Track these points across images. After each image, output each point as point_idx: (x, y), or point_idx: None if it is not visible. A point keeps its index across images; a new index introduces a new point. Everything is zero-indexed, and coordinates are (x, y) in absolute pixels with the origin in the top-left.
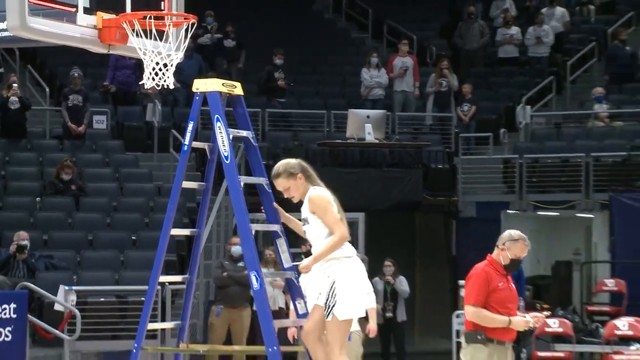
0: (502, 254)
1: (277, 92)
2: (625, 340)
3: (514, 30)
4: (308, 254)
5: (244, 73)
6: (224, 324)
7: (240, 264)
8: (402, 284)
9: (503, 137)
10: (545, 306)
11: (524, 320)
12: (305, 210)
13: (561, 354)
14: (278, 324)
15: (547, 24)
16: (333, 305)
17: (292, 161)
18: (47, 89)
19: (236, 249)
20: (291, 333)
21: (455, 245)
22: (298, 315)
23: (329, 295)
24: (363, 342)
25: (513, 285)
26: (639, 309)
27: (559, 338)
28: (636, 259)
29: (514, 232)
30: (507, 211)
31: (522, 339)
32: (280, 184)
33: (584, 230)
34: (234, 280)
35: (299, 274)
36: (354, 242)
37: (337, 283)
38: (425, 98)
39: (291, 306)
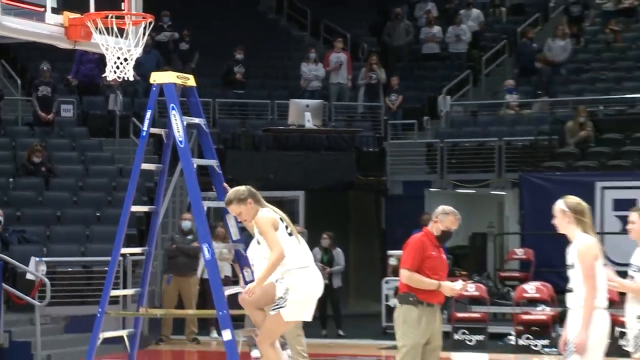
0: (435, 226)
1: (236, 84)
2: (533, 302)
3: (436, 29)
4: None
5: (197, 68)
6: (174, 290)
7: (189, 237)
8: (339, 257)
9: (426, 123)
10: (463, 273)
11: (451, 286)
12: (256, 233)
13: (477, 315)
14: (228, 290)
15: (465, 24)
16: (282, 306)
17: (242, 188)
18: (19, 81)
19: (186, 224)
20: (241, 298)
21: (384, 220)
22: (245, 282)
23: (281, 297)
24: None
25: (444, 256)
26: (544, 275)
27: (475, 300)
28: (542, 230)
29: (447, 207)
30: (430, 189)
31: (445, 303)
32: (233, 209)
33: (497, 205)
34: (182, 252)
35: (246, 246)
36: (295, 218)
37: (290, 291)
38: (358, 89)
39: (240, 274)
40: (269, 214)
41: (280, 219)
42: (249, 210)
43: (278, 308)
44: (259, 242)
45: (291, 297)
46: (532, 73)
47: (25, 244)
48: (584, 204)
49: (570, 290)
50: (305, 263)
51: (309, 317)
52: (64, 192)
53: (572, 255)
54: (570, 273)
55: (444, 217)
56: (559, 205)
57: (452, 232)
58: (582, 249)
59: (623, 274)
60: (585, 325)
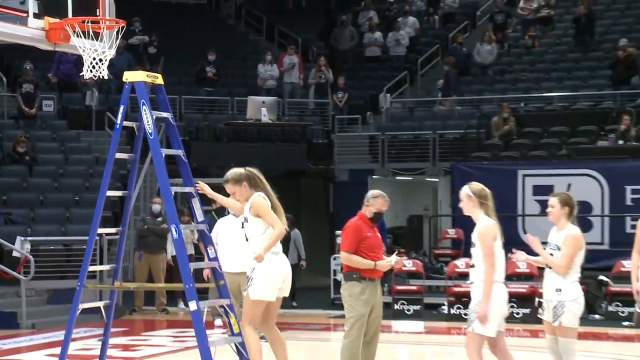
0: (367, 209)
1: (206, 82)
2: (463, 276)
3: (377, 34)
4: (217, 210)
5: (165, 69)
6: (145, 266)
7: (159, 219)
8: (297, 237)
9: (369, 118)
10: (402, 250)
11: (386, 263)
12: (246, 212)
13: (414, 287)
14: (194, 265)
15: (403, 30)
16: (249, 286)
17: (239, 170)
18: (4, 79)
19: (155, 207)
20: (205, 273)
21: (332, 204)
22: (209, 259)
23: (249, 278)
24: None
25: (379, 235)
26: (468, 252)
27: (412, 275)
28: None
29: (375, 191)
30: (373, 176)
31: (385, 277)
32: (228, 188)
33: (432, 191)
34: (152, 232)
35: (210, 230)
36: None
37: (256, 271)
38: (308, 88)
39: (204, 252)
40: (265, 199)
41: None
42: (242, 191)
43: (247, 288)
44: (245, 222)
45: (255, 276)
46: (461, 74)
47: (12, 224)
48: (487, 190)
49: (472, 266)
50: (277, 249)
51: (272, 298)
52: (46, 179)
53: (474, 235)
54: (472, 251)
55: (374, 201)
56: (465, 190)
57: (382, 213)
58: (482, 229)
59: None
60: (485, 297)
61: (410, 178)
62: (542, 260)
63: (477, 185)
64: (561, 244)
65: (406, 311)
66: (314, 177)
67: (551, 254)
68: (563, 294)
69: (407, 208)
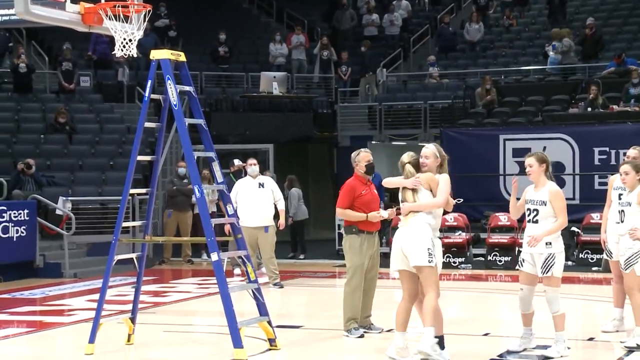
0: (357, 167)
1: (220, 59)
2: (452, 229)
3: (374, 16)
4: (235, 173)
5: (185, 49)
6: (174, 222)
7: (185, 180)
8: (292, 196)
9: (368, 90)
10: (397, 207)
11: (377, 215)
12: (422, 186)
13: None
14: (215, 221)
15: (397, 12)
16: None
17: (439, 149)
18: (47, 58)
19: (181, 170)
20: (226, 228)
21: (336, 166)
22: (229, 215)
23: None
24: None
25: (375, 192)
26: (460, 207)
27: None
28: (460, 173)
29: (355, 151)
30: (372, 142)
31: (382, 230)
32: (426, 154)
33: None
34: (180, 192)
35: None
36: (266, 165)
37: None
38: (314, 63)
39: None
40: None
41: None
42: (432, 165)
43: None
44: (420, 191)
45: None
46: (448, 50)
47: (55, 186)
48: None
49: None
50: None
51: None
52: (83, 146)
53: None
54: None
55: (358, 158)
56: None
57: (373, 163)
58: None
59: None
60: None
61: (405, 143)
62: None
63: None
64: (549, 200)
65: None
66: (320, 143)
67: (536, 210)
68: (553, 246)
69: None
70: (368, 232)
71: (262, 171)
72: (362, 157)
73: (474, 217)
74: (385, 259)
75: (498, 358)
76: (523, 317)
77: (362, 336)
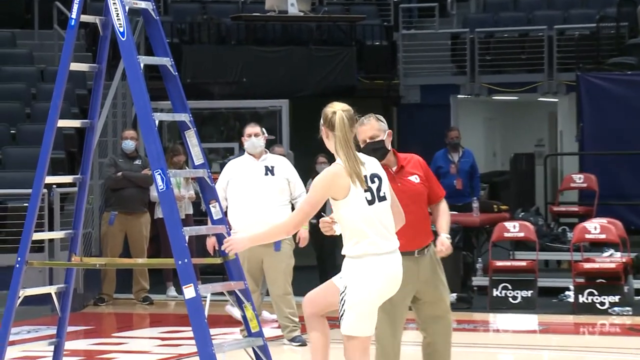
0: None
1: None
2: (597, 245)
3: None
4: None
5: None
6: (119, 233)
7: (137, 162)
8: None
9: (451, 7)
10: (503, 207)
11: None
12: None
13: (522, 263)
14: (189, 231)
15: None
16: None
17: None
18: None
19: (129, 143)
20: (210, 243)
21: (396, 136)
22: (213, 221)
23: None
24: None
25: (409, 179)
26: (611, 209)
27: (520, 244)
28: (609, 150)
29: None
30: (457, 96)
31: (477, 246)
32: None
33: (548, 117)
34: (129, 181)
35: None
36: (276, 134)
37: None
38: None
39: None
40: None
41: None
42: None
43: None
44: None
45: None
46: None
47: None
48: None
49: None
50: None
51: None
52: None
53: None
54: None
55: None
56: None
57: (379, 141)
58: None
59: None
60: None
61: (515, 97)
62: None
63: None
64: None
65: (511, 299)
66: (369, 97)
67: None
68: None
69: (510, 143)
70: (402, 254)
71: (270, 146)
72: (360, 133)
73: (635, 224)
74: (482, 296)
75: None
76: None
77: None
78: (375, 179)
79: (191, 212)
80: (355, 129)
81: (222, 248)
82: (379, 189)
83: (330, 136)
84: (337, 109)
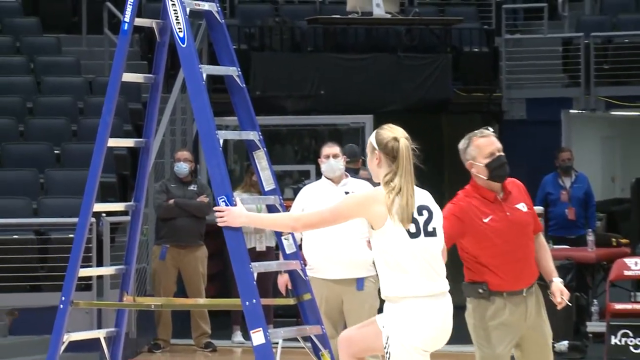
0: (473, 171)
1: None
2: None
3: None
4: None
5: None
6: (171, 269)
7: (192, 187)
8: None
9: (562, 8)
10: (623, 241)
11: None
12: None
13: None
14: (258, 268)
15: None
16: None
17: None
18: None
19: (182, 167)
20: (282, 282)
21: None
22: (285, 256)
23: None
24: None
25: (517, 207)
26: None
27: None
28: None
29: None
30: (570, 111)
31: (592, 286)
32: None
33: None
34: (182, 210)
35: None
36: (358, 154)
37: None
38: None
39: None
40: None
41: None
42: None
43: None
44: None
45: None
46: None
47: None
48: None
49: None
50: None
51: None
52: (4, 118)
53: None
54: None
55: (469, 152)
56: None
57: (500, 158)
58: None
59: None
60: None
61: (638, 113)
62: None
63: None
64: None
65: (633, 348)
66: (466, 112)
67: None
68: None
69: (631, 166)
70: (509, 294)
71: (352, 169)
72: (475, 148)
73: None
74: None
75: None
76: None
77: None
78: (424, 211)
79: (273, 244)
80: (467, 143)
81: (216, 218)
82: (427, 222)
83: (383, 163)
84: (400, 136)
